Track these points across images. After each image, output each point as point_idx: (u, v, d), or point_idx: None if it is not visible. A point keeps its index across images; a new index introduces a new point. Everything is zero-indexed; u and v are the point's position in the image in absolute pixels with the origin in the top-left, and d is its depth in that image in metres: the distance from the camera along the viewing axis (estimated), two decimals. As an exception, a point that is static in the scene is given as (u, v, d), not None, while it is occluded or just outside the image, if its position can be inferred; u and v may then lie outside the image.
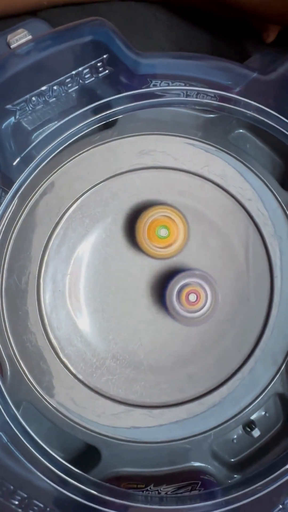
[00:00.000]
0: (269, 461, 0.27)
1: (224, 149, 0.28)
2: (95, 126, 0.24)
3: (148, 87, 0.23)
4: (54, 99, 0.22)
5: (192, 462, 0.28)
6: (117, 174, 0.25)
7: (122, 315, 0.25)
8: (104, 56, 0.22)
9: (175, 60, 0.23)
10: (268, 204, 0.29)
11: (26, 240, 0.26)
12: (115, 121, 0.24)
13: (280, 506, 0.23)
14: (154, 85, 0.23)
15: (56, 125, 0.22)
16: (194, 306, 0.24)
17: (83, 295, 0.25)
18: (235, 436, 0.27)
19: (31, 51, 0.22)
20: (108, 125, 0.24)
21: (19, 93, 0.22)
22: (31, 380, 0.26)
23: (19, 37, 0.22)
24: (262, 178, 0.28)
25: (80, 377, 0.25)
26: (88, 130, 0.23)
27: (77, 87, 0.22)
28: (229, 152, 0.28)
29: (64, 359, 0.25)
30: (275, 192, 0.29)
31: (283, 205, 0.29)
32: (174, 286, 0.23)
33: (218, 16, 0.32)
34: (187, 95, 0.23)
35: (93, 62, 0.22)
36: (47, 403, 0.24)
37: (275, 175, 0.30)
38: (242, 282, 0.26)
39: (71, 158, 0.25)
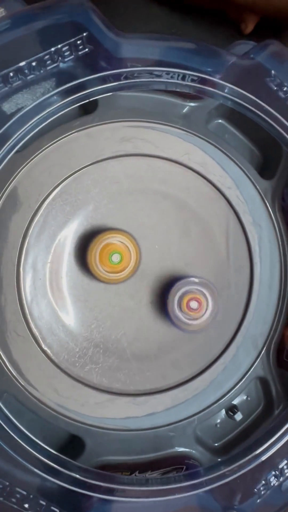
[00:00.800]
0: (251, 444, 0.27)
1: (204, 138, 0.28)
2: (72, 107, 0.23)
3: (127, 68, 0.22)
4: (32, 76, 0.21)
5: (176, 448, 0.27)
6: (98, 160, 0.24)
7: (105, 304, 0.24)
8: (84, 34, 0.21)
9: (157, 43, 0.23)
10: (247, 193, 0.29)
11: (4, 227, 0.25)
12: (95, 107, 0.24)
13: (263, 482, 0.23)
14: (133, 67, 0.23)
15: (31, 106, 0.21)
16: (196, 313, 0.23)
17: (65, 284, 0.24)
18: (218, 421, 0.27)
19: (6, 28, 0.21)
20: (88, 111, 0.24)
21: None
22: (12, 371, 0.25)
23: (-6, 14, 0.21)
24: (241, 166, 0.29)
25: (63, 366, 0.24)
26: (66, 111, 0.23)
27: (55, 64, 0.21)
28: (209, 140, 0.28)
29: (46, 349, 0.24)
30: (253, 181, 0.29)
31: (261, 193, 0.30)
32: (175, 294, 0.23)
33: (196, 5, 0.32)
34: (168, 77, 0.23)
35: (72, 40, 0.21)
36: (29, 394, 0.23)
37: (253, 164, 0.31)
38: (223, 269, 0.26)
39: (50, 143, 0.24)
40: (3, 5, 0.21)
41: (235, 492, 0.22)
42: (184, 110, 0.27)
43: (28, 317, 0.24)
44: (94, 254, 0.22)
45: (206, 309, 0.23)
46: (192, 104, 0.27)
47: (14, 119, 0.21)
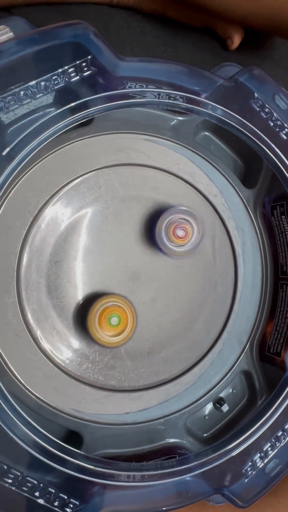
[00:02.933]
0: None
1: (192, 149, 0.29)
2: (73, 125, 0.24)
3: (124, 88, 0.24)
4: (41, 94, 0.23)
5: (169, 439, 0.28)
6: (94, 169, 0.25)
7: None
8: (89, 57, 0.23)
9: (150, 65, 0.25)
10: (231, 200, 0.31)
11: (4, 233, 0.25)
12: (91, 120, 0.25)
13: (250, 464, 0.25)
14: (130, 87, 0.24)
15: (36, 125, 0.23)
16: (183, 240, 0.24)
17: (63, 289, 0.25)
18: (207, 413, 0.28)
19: (14, 48, 0.22)
20: (85, 123, 0.25)
21: (4, 86, 0.22)
22: (14, 371, 0.26)
23: (1, 33, 0.22)
24: (226, 176, 0.31)
25: (61, 366, 0.25)
26: (67, 128, 0.24)
27: (63, 84, 0.23)
28: (196, 151, 0.29)
29: (45, 349, 0.25)
30: (237, 189, 0.31)
31: (244, 201, 0.32)
32: (162, 223, 0.24)
33: (186, 24, 0.34)
34: (159, 97, 0.25)
35: (77, 62, 0.23)
36: (29, 393, 0.24)
37: (236, 174, 0.33)
38: (210, 271, 0.27)
39: (49, 153, 0.25)
40: (8, 24, 0.22)
41: (225, 474, 0.24)
42: (174, 123, 0.29)
43: (28, 319, 0.25)
44: (94, 320, 0.23)
45: (192, 236, 0.24)
46: (180, 118, 0.29)
47: (18, 139, 0.22)
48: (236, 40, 0.33)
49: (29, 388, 0.24)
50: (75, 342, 0.25)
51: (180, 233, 0.23)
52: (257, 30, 0.31)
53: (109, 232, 0.25)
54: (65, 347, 0.25)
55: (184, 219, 0.25)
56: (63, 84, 0.22)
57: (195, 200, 0.27)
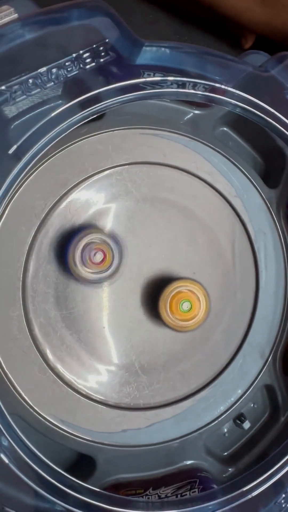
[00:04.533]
0: (260, 451, 0.27)
1: (211, 146, 0.27)
2: (85, 121, 0.22)
3: (141, 77, 0.22)
4: (52, 84, 0.20)
5: (187, 461, 0.26)
6: (105, 168, 0.23)
7: (113, 316, 0.23)
8: (106, 40, 0.20)
9: (174, 52, 0.22)
10: (252, 201, 0.28)
11: (9, 238, 0.23)
12: (103, 114, 0.22)
13: (283, 495, 0.23)
14: (148, 75, 0.22)
15: (44, 120, 0.20)
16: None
17: (72, 299, 0.23)
18: (226, 430, 0.26)
19: (19, 31, 0.20)
20: (96, 118, 0.22)
21: (9, 74, 0.19)
22: (20, 391, 0.24)
23: (4, 14, 0.20)
24: (247, 175, 0.28)
25: (71, 384, 0.23)
26: (81, 123, 0.21)
27: (76, 72, 0.20)
28: (216, 148, 0.27)
29: (54, 366, 0.23)
30: (259, 189, 0.29)
31: (266, 201, 0.30)
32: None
33: (197, 15, 0.32)
34: (181, 86, 0.23)
35: (94, 46, 0.20)
36: (37, 415, 0.22)
37: (257, 172, 0.30)
38: (229, 278, 0.25)
39: (57, 151, 0.22)
40: (12, 3, 0.19)
41: (256, 507, 0.22)
42: (192, 117, 0.27)
43: (36, 334, 0.23)
44: (165, 304, 0.22)
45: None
46: (199, 111, 0.27)
47: (26, 136, 0.19)
48: (250, 40, 0.30)
49: (37, 409, 0.22)
50: (86, 357, 0.24)
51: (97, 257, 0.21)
52: (270, 39, 0.28)
53: (122, 237, 0.23)
54: (76, 363, 0.23)
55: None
56: (76, 71, 0.19)
57: (214, 202, 0.25)
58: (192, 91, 0.21)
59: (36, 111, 0.19)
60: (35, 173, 0.23)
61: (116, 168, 0.24)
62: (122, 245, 0.25)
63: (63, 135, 0.20)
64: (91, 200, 0.23)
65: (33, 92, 0.19)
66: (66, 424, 0.23)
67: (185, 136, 0.26)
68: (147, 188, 0.24)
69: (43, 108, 0.20)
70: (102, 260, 0.23)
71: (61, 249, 0.23)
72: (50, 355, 0.23)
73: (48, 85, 0.19)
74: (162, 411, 0.24)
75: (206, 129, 0.27)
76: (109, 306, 0.24)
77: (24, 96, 0.19)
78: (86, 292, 0.25)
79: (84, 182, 0.23)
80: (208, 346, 0.27)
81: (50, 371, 0.23)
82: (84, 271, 0.22)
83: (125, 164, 0.24)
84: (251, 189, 0.28)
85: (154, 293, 0.26)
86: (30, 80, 0.18)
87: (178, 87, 0.22)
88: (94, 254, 0.23)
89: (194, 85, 0.22)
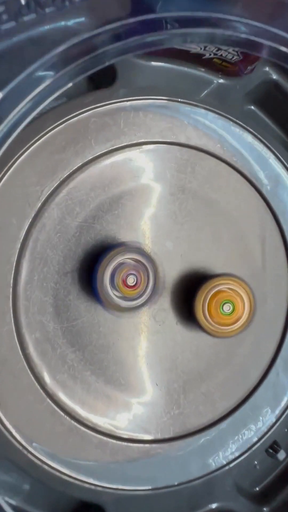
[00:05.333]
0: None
1: (241, 124, 0.24)
2: (84, 75, 0.17)
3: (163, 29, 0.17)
4: (53, 8, 0.15)
5: (214, 503, 0.23)
6: (115, 148, 0.20)
7: (119, 334, 0.21)
8: None
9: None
10: (287, 191, 0.26)
11: None
12: (112, 80, 0.20)
13: None
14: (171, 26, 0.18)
15: (33, 67, 0.15)
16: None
17: (75, 309, 0.21)
18: (256, 462, 0.24)
19: None
20: (105, 84, 0.20)
21: None
22: (10, 429, 0.20)
23: None
24: (283, 160, 0.25)
25: (75, 413, 0.20)
26: (76, 83, 0.17)
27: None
28: (247, 127, 0.24)
29: (52, 394, 0.20)
30: None
31: (304, 191, 0.26)
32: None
33: None
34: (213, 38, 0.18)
35: None
36: (31, 456, 0.19)
37: None
38: (259, 281, 0.23)
39: (56, 125, 0.20)
40: None
41: None
42: (218, 89, 0.23)
43: (30, 353, 0.20)
44: (202, 306, 0.19)
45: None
46: (227, 81, 0.23)
47: (7, 89, 0.15)
48: None
49: (31, 450, 0.20)
50: (93, 380, 0.21)
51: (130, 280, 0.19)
52: None
53: (132, 230, 0.21)
54: (80, 387, 0.20)
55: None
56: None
57: (242, 191, 0.22)
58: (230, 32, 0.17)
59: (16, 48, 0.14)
60: (28, 151, 0.20)
61: (127, 148, 0.21)
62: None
63: (53, 97, 0.15)
64: (97, 187, 0.21)
65: (26, 18, 0.14)
66: (68, 465, 0.20)
67: (210, 111, 0.23)
68: (164, 173, 0.22)
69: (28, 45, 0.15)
70: (136, 285, 0.20)
71: (62, 248, 0.21)
72: (48, 379, 0.20)
73: (47, 8, 0.14)
74: (183, 443, 0.22)
75: (235, 103, 0.24)
76: (117, 324, 0.21)
77: (13, 23, 0.14)
78: (92, 300, 0.22)
79: (89, 164, 0.20)
80: (235, 362, 0.24)
81: (48, 399, 0.20)
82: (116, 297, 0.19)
83: (139, 144, 0.22)
84: (286, 177, 0.25)
85: (173, 300, 0.23)
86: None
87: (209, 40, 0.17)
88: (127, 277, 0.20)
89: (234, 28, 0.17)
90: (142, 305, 0.21)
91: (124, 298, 0.20)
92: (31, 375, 0.19)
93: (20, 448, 0.20)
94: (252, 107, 0.25)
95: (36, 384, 0.19)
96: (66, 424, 0.21)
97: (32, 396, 0.20)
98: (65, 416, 0.20)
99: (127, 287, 0.20)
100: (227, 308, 0.19)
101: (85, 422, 0.21)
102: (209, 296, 0.19)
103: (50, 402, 0.20)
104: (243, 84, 0.23)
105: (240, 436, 0.24)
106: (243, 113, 0.24)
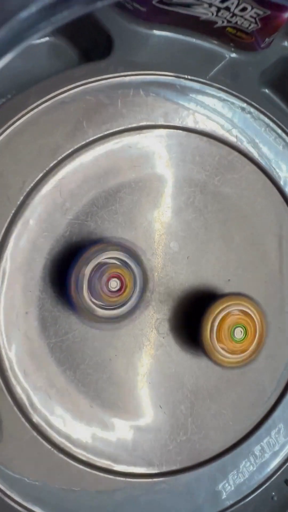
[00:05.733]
0: None
1: (257, 106, 0.22)
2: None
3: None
4: None
5: None
6: (111, 133, 0.19)
7: (110, 351, 0.19)
8: None
9: None
10: None
11: None
12: (109, 49, 0.18)
13: None
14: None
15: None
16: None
17: (65, 321, 0.19)
18: (274, 493, 0.22)
19: None
20: (99, 53, 0.18)
21: None
22: None
23: None
24: None
25: (64, 446, 0.18)
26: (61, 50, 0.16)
27: None
28: (263, 110, 0.22)
29: (38, 422, 0.18)
30: None
31: None
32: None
33: None
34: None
35: None
36: (10, 501, 0.17)
37: None
38: (275, 286, 0.21)
39: (40, 102, 0.17)
40: None
41: None
42: (230, 65, 0.21)
43: (9, 376, 0.18)
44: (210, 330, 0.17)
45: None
46: (241, 56, 0.21)
47: None
48: None
49: (9, 493, 0.17)
50: (86, 404, 0.19)
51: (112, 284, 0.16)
52: None
53: (131, 229, 0.19)
54: (70, 414, 0.18)
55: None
56: None
57: (256, 184, 0.21)
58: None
59: None
60: (5, 132, 0.18)
61: (126, 133, 0.19)
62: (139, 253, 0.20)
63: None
64: (91, 178, 0.19)
65: None
66: (55, 509, 0.18)
67: (221, 91, 0.21)
68: (167, 163, 0.20)
69: None
70: (120, 290, 0.17)
71: (49, 249, 0.19)
72: (32, 406, 0.18)
73: None
74: (192, 475, 0.20)
75: (249, 83, 0.21)
76: (109, 339, 0.19)
77: None
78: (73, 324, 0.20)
79: (81, 151, 0.18)
80: (249, 378, 0.22)
81: (32, 429, 0.18)
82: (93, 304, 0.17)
83: (139, 128, 0.20)
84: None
85: (178, 309, 0.21)
86: None
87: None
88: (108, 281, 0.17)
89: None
90: (127, 314, 0.18)
91: (105, 306, 0.17)
92: (10, 401, 0.18)
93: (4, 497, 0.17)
94: (267, 91, 0.23)
95: (17, 411, 0.18)
96: (54, 459, 0.18)
97: (12, 425, 0.18)
98: (53, 450, 0.18)
99: (110, 292, 0.17)
100: (238, 333, 0.18)
101: (77, 456, 0.19)
102: (219, 319, 0.18)
103: (33, 432, 0.18)
104: (259, 61, 0.21)
105: (257, 465, 0.22)
106: (258, 94, 0.22)
